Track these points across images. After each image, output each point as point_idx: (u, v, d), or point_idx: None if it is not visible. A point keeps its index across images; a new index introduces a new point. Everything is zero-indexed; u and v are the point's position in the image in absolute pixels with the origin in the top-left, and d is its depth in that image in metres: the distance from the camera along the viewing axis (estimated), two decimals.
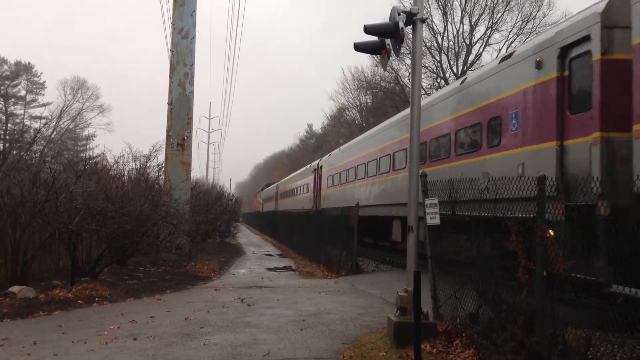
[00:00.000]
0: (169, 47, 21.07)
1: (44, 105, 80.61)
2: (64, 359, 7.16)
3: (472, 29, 45.82)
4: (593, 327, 5.60)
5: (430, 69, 46.31)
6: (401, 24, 7.93)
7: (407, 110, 15.08)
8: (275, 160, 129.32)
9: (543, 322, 5.82)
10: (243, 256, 25.67)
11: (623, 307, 5.45)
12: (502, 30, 45.98)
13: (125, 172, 21.68)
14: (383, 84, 53.54)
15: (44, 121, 73.09)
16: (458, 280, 7.95)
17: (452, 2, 44.93)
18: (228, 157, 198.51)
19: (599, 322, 5.61)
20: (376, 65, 50.41)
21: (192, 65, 20.89)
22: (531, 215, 6.10)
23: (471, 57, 46.47)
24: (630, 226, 5.57)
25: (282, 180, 58.02)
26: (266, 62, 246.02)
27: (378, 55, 9.11)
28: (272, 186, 68.43)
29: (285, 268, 20.23)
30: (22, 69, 79.98)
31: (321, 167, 33.33)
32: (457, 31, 46.11)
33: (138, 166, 22.60)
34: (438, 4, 45.04)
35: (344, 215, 19.11)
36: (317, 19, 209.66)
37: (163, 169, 21.23)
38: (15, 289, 11.77)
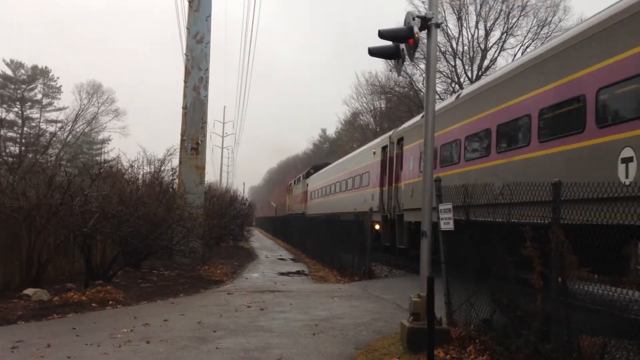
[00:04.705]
0: (184, 52, 21.19)
1: (59, 109, 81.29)
2: None
3: (487, 33, 45.79)
4: (608, 333, 5.53)
5: (444, 73, 46.33)
6: (416, 29, 7.91)
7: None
8: (289, 164, 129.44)
9: (558, 329, 5.76)
10: (256, 260, 25.69)
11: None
12: (518, 35, 45.96)
13: (140, 176, 21.73)
14: (397, 89, 53.53)
15: (59, 125, 73.90)
16: (472, 285, 7.90)
17: (467, 7, 45.05)
18: (241, 161, 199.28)
19: (615, 329, 5.55)
20: (390, 70, 50.49)
21: (207, 69, 20.98)
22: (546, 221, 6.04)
23: (486, 62, 46.41)
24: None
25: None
26: (278, 67, 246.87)
27: (392, 60, 9.10)
28: (356, 153, 31.33)
29: (298, 273, 20.21)
30: (39, 73, 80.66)
31: None
32: (472, 36, 46.17)
33: (152, 170, 22.74)
34: (453, 9, 45.15)
35: (357, 221, 19.08)
36: (326, 25, 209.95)
37: (177, 173, 21.29)
38: (29, 291, 11.85)
